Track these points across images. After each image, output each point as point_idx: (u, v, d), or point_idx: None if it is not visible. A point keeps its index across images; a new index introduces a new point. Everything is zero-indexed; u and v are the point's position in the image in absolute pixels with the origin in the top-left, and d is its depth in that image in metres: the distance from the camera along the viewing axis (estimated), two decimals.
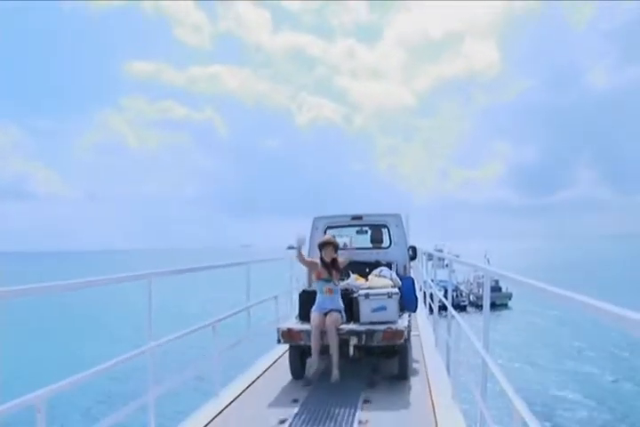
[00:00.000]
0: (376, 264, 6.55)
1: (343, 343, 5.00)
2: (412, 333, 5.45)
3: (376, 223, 7.48)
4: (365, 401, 4.45)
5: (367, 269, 6.20)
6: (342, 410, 4.22)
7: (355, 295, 5.40)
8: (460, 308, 34.88)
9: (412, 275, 7.44)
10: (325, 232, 7.22)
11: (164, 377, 3.70)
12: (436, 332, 6.71)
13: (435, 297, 6.94)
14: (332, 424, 3.91)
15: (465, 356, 4.26)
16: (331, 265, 5.45)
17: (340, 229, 7.52)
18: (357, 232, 7.62)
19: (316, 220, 7.38)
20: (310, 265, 5.71)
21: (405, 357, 5.14)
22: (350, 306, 5.37)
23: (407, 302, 5.83)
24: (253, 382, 5.19)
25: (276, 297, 6.49)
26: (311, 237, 7.24)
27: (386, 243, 7.48)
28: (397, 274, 6.47)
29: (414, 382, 5.06)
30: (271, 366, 5.84)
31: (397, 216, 7.44)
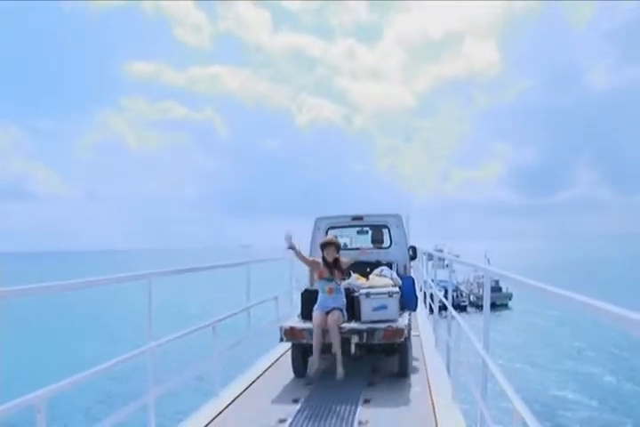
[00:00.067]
0: (377, 264, 6.59)
1: (345, 342, 5.07)
2: (412, 333, 5.50)
3: (377, 224, 7.58)
4: (365, 401, 4.45)
5: (368, 269, 6.26)
6: (342, 410, 4.22)
7: (356, 294, 5.47)
8: (460, 308, 34.91)
9: (412, 275, 7.48)
10: (327, 232, 7.33)
11: (165, 377, 3.70)
12: (436, 332, 6.72)
13: (435, 297, 6.95)
14: (332, 424, 3.91)
15: (465, 356, 4.26)
16: (333, 265, 5.52)
17: (341, 229, 7.59)
18: (358, 232, 7.74)
19: (317, 220, 7.49)
20: (312, 264, 5.77)
21: (405, 355, 5.21)
22: (351, 305, 5.45)
23: (407, 301, 5.92)
24: (253, 382, 5.19)
25: (276, 297, 6.49)
26: (313, 237, 7.37)
27: (386, 243, 7.57)
28: (398, 274, 6.52)
29: (414, 382, 5.07)
30: (271, 366, 5.84)
31: (398, 217, 7.54)
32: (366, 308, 5.27)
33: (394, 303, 5.28)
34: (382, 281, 5.72)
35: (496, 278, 3.78)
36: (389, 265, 6.64)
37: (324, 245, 5.59)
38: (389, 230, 7.50)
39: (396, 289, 5.47)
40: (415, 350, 6.03)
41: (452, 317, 4.74)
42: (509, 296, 41.09)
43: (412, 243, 7.80)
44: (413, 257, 7.57)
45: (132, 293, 16.50)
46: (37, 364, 22.16)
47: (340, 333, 5.08)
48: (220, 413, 4.22)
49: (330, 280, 5.47)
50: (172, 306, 35.53)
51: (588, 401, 18.79)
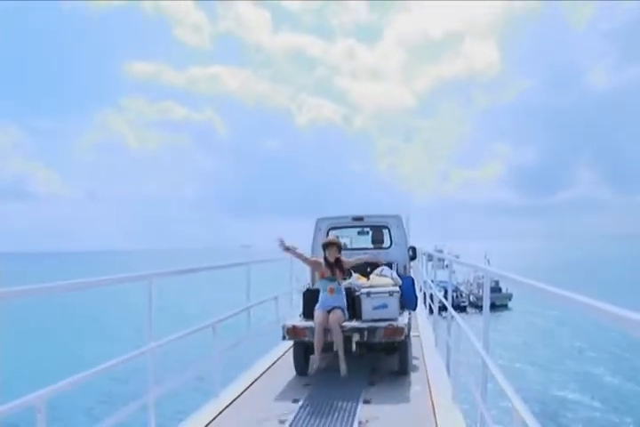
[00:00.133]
0: (377, 264, 6.62)
1: (346, 340, 5.16)
2: (412, 333, 5.56)
3: (377, 224, 7.67)
4: (365, 401, 4.46)
5: (368, 269, 6.33)
6: (342, 410, 4.23)
7: (357, 294, 5.57)
8: (459, 308, 34.88)
9: (412, 275, 7.51)
10: (328, 233, 7.45)
11: (165, 377, 3.70)
12: (435, 332, 6.73)
13: (435, 298, 6.97)
14: (332, 424, 3.92)
15: (465, 356, 4.26)
16: (334, 265, 5.61)
17: (342, 229, 7.66)
18: (359, 233, 7.84)
19: (319, 221, 7.60)
20: (313, 264, 5.87)
21: (405, 353, 5.30)
22: (352, 304, 5.55)
23: (407, 300, 6.00)
24: (253, 382, 5.20)
25: (276, 298, 6.51)
26: (314, 237, 7.50)
27: (386, 243, 7.64)
28: (397, 274, 6.55)
29: (414, 382, 5.07)
30: (271, 366, 5.85)
31: (398, 217, 7.63)
32: (367, 307, 5.37)
33: (394, 302, 5.38)
34: (383, 281, 5.80)
35: (496, 279, 3.79)
36: (389, 265, 6.69)
37: (326, 246, 5.70)
38: (389, 231, 7.58)
39: (397, 288, 5.56)
40: (415, 351, 6.07)
41: (452, 317, 4.75)
42: (509, 297, 41.07)
43: (411, 243, 7.87)
44: (413, 257, 7.66)
45: (132, 293, 16.51)
46: (38, 364, 22.17)
47: (342, 331, 5.16)
48: (221, 413, 4.23)
49: (331, 280, 5.56)
50: (173, 306, 35.54)
51: (588, 401, 18.79)
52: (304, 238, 7.63)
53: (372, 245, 7.64)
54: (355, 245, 7.78)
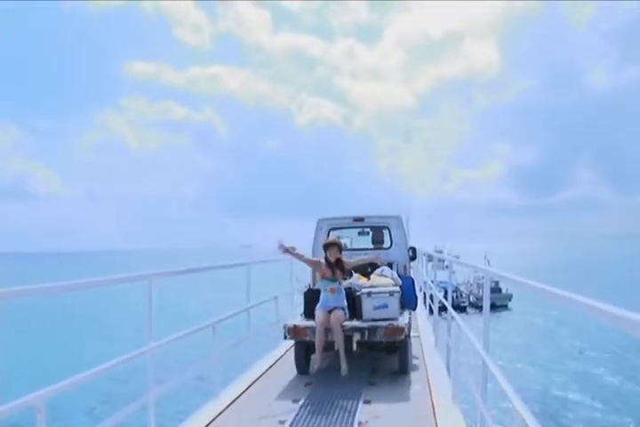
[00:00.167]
0: (377, 264, 6.64)
1: (347, 339, 5.21)
2: (412, 334, 5.58)
3: (377, 225, 7.72)
4: (366, 401, 4.46)
5: (369, 269, 6.37)
6: (342, 410, 4.23)
7: (358, 294, 5.62)
8: (460, 309, 34.87)
9: (412, 275, 7.53)
10: (329, 233, 7.50)
11: (165, 378, 3.70)
12: (436, 333, 6.74)
13: (435, 298, 6.98)
14: (332, 424, 3.92)
15: (465, 356, 4.26)
16: (335, 265, 5.66)
17: (342, 230, 7.70)
18: (359, 233, 7.88)
19: (320, 221, 7.66)
20: (314, 265, 5.94)
21: (406, 352, 5.36)
22: (353, 304, 5.60)
23: (407, 300, 6.05)
24: (253, 382, 5.20)
25: (276, 298, 6.52)
26: (315, 237, 7.56)
27: (387, 244, 7.67)
28: (398, 274, 6.58)
29: (414, 382, 5.08)
30: (271, 366, 5.85)
31: (398, 218, 7.67)
32: (368, 306, 5.42)
33: (394, 302, 5.43)
34: (383, 281, 5.84)
35: (496, 279, 3.79)
36: (390, 265, 6.73)
37: (327, 246, 5.76)
38: (390, 231, 7.62)
39: (397, 288, 5.61)
40: (415, 351, 6.09)
41: (452, 317, 4.75)
42: (509, 297, 41.05)
43: (411, 244, 7.90)
44: (413, 258, 7.71)
45: (132, 293, 16.51)
46: (38, 364, 22.17)
47: (343, 331, 5.21)
48: (221, 413, 4.23)
49: (332, 280, 5.61)
50: (173, 306, 35.53)
51: (589, 401, 18.78)
52: (304, 238, 7.66)
53: (372, 246, 7.67)
54: (355, 246, 7.81)
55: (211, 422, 4.02)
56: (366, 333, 5.17)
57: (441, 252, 29.44)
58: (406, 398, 4.56)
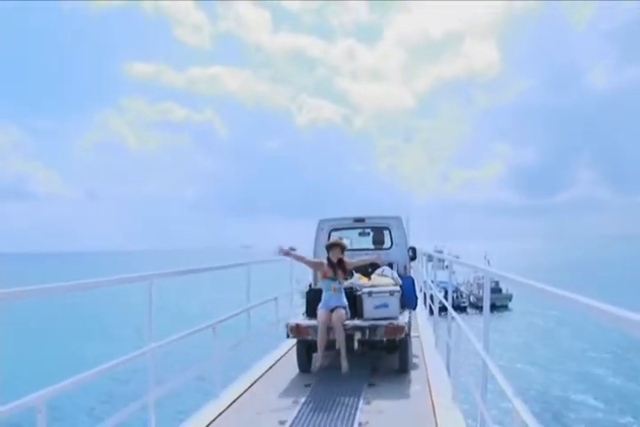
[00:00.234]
0: (378, 264, 6.68)
1: (348, 338, 5.29)
2: (412, 334, 5.62)
3: (378, 225, 7.77)
4: (366, 401, 4.47)
5: (370, 269, 6.41)
6: (342, 411, 4.23)
7: (358, 293, 5.71)
8: (460, 309, 34.87)
9: (412, 275, 7.56)
10: (330, 234, 7.56)
11: (165, 378, 3.70)
12: (436, 333, 6.75)
13: (435, 298, 6.99)
14: (332, 425, 3.92)
15: (465, 357, 4.27)
16: (337, 265, 5.76)
17: (343, 230, 7.74)
18: (360, 234, 7.94)
19: (321, 222, 7.73)
20: (315, 266, 6.08)
21: (406, 351, 5.43)
22: (354, 303, 5.69)
23: (407, 299, 6.12)
24: (254, 382, 5.20)
25: (276, 298, 6.52)
26: (316, 238, 7.63)
27: (387, 244, 7.72)
28: (398, 274, 6.61)
29: (414, 382, 5.08)
30: (271, 367, 5.85)
31: (398, 218, 7.73)
32: (368, 306, 5.50)
33: (395, 302, 5.51)
34: (384, 280, 5.90)
35: (496, 279, 3.79)
36: (390, 265, 6.77)
37: (330, 247, 5.88)
38: (390, 232, 7.67)
39: (397, 288, 5.68)
40: (415, 351, 6.12)
41: (452, 318, 4.75)
42: (509, 297, 41.05)
43: (411, 244, 7.94)
44: (413, 258, 7.76)
45: (133, 294, 16.52)
46: (38, 364, 22.18)
47: (344, 329, 5.28)
48: (221, 413, 4.23)
49: (333, 280, 5.71)
50: (173, 307, 35.55)
51: (590, 402, 18.77)
52: (304, 238, 7.70)
53: (372, 246, 7.73)
54: (356, 246, 7.83)
55: (211, 422, 4.02)
56: (367, 331, 5.25)
57: (441, 252, 29.42)
58: (406, 399, 4.55)
